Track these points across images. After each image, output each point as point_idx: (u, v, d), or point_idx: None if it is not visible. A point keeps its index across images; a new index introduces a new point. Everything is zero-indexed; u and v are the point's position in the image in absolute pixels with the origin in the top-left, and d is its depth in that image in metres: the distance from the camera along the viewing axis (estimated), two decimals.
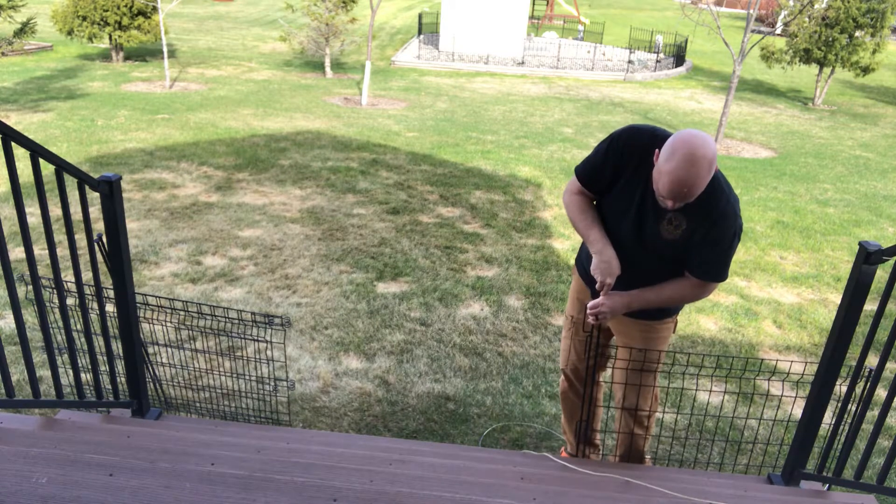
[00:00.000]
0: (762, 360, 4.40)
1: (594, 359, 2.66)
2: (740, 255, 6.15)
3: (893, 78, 20.00)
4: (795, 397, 3.88)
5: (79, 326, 2.74)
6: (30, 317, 4.21)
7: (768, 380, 4.05)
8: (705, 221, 2.17)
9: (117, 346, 2.57)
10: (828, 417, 2.52)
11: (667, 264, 2.31)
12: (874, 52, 14.61)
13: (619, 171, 2.26)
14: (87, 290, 2.46)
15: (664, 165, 2.01)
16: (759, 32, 17.24)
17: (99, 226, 3.70)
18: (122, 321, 2.53)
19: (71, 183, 2.27)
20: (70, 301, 2.39)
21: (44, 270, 4.88)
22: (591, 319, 2.36)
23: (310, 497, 1.73)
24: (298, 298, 4.81)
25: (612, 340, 2.72)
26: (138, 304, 2.61)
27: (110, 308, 2.58)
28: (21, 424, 2.32)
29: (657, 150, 2.09)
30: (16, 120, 9.74)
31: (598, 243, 2.32)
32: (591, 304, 2.33)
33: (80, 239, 3.02)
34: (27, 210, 3.27)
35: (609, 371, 2.83)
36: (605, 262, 2.29)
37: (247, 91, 13.11)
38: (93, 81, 13.07)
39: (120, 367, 2.68)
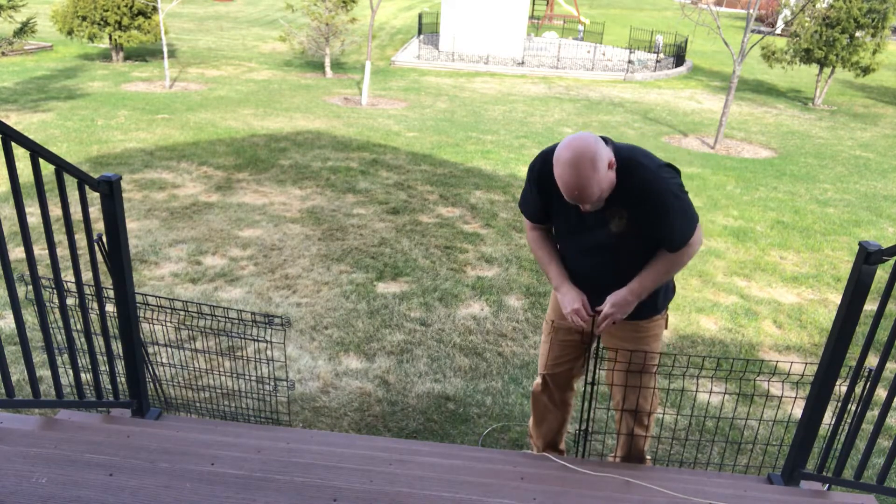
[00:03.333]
0: (762, 361, 4.40)
1: (587, 362, 2.66)
2: (740, 254, 6.15)
3: (893, 78, 20.01)
4: (795, 397, 3.88)
5: (79, 326, 2.74)
6: (30, 317, 4.21)
7: (768, 380, 4.05)
8: (638, 200, 2.19)
9: (117, 346, 2.57)
10: (828, 417, 2.52)
11: (641, 248, 2.33)
12: (874, 52, 14.61)
13: (546, 196, 2.35)
14: (87, 290, 2.46)
15: (555, 176, 2.13)
16: (759, 32, 17.24)
17: (99, 226, 3.70)
18: (122, 321, 2.53)
19: (71, 183, 2.27)
20: (70, 301, 2.39)
21: (44, 270, 4.88)
22: (602, 327, 2.39)
23: (310, 497, 1.73)
24: (298, 298, 4.81)
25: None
26: (138, 304, 2.61)
27: (110, 308, 2.58)
28: (21, 424, 2.32)
29: None
30: (16, 120, 9.74)
31: (556, 279, 2.47)
32: (601, 316, 2.37)
33: (80, 239, 3.02)
34: (27, 210, 3.27)
35: (602, 373, 2.83)
36: (566, 297, 2.42)
37: (247, 91, 13.11)
38: (93, 81, 13.07)
39: (120, 367, 2.68)
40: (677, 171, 2.26)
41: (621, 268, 2.36)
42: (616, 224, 2.27)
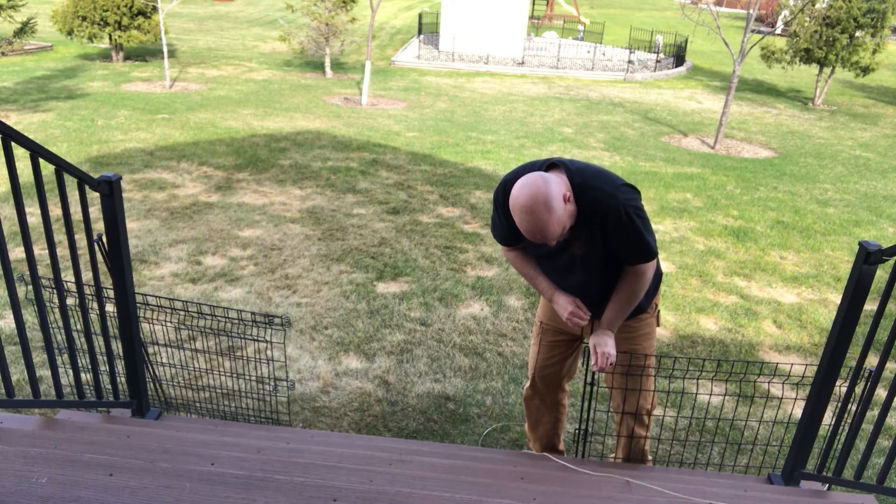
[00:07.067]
0: (763, 362, 4.40)
1: (585, 362, 2.66)
2: (740, 254, 6.15)
3: (893, 78, 20.00)
4: (795, 398, 3.88)
5: (79, 326, 2.74)
6: (30, 317, 4.21)
7: (769, 381, 4.05)
8: (597, 223, 2.19)
9: (117, 346, 2.57)
10: (828, 417, 2.52)
11: (610, 264, 2.33)
12: (874, 52, 14.61)
13: (513, 221, 2.30)
14: (87, 290, 2.46)
15: (515, 222, 2.12)
16: (759, 32, 17.24)
17: (99, 226, 3.70)
18: (122, 321, 2.53)
19: (71, 183, 2.28)
20: (70, 301, 2.39)
21: (44, 270, 4.88)
22: (599, 367, 2.39)
23: (310, 497, 1.73)
24: (298, 298, 4.81)
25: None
26: (138, 304, 2.61)
27: (110, 308, 2.58)
28: (21, 424, 2.32)
29: None
30: (16, 120, 9.74)
31: (548, 291, 2.47)
32: (598, 363, 2.38)
33: (80, 239, 3.02)
34: (27, 210, 3.28)
35: (601, 375, 2.83)
36: (559, 304, 2.43)
37: (247, 91, 13.11)
38: (93, 81, 13.07)
39: (120, 367, 2.68)
40: (637, 192, 2.23)
41: (598, 283, 2.38)
42: (579, 246, 2.28)
